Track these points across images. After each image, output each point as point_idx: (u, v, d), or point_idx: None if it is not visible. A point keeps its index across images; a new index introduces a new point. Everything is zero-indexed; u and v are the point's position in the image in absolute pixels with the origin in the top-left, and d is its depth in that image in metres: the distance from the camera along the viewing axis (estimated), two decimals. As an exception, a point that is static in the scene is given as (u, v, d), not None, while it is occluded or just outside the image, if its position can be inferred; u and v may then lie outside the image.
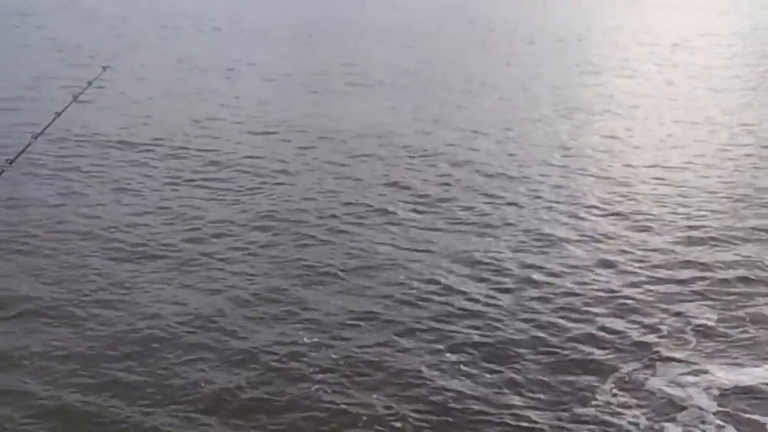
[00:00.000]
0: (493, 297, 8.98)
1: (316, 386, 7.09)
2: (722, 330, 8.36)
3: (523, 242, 10.62)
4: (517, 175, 13.57)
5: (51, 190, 12.18)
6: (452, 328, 8.26)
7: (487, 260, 9.98)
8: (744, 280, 9.66)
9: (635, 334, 8.22)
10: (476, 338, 8.08)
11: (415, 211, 11.68)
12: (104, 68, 9.99)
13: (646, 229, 11.28)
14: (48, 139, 13.09)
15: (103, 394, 6.89)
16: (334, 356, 7.59)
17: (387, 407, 6.86)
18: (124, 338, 7.81)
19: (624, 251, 10.42)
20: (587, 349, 7.91)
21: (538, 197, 12.47)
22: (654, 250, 10.49)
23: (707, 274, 9.76)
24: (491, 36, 33.71)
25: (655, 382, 7.32)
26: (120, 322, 8.10)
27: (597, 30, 36.64)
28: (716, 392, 7.16)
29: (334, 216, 11.36)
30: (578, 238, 10.84)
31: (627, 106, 19.75)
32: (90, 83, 8.63)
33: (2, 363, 7.33)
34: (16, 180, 11.79)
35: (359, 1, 46.17)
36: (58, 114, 7.42)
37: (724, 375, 7.44)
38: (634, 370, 7.52)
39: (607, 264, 10.02)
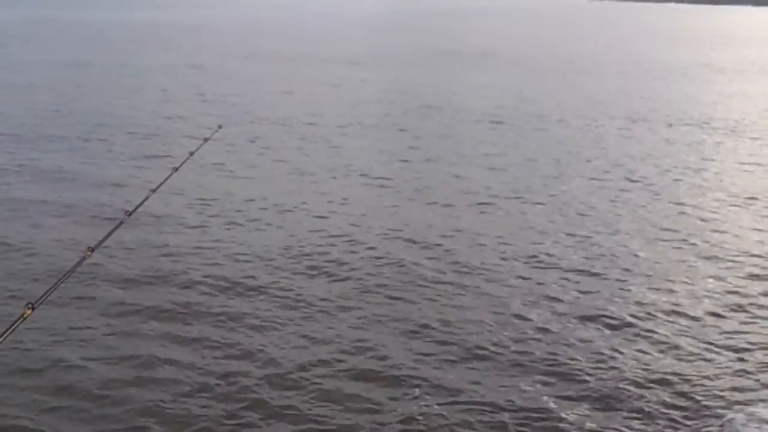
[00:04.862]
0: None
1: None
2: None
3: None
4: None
5: (164, 239, 12.76)
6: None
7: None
8: None
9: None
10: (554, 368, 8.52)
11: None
12: (220, 126, 10.47)
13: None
14: (164, 192, 13.67)
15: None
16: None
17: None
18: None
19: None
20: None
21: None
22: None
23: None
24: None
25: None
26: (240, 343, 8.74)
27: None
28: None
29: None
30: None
31: None
32: (206, 140, 9.03)
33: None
34: (134, 230, 12.34)
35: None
36: (175, 169, 7.74)
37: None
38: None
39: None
